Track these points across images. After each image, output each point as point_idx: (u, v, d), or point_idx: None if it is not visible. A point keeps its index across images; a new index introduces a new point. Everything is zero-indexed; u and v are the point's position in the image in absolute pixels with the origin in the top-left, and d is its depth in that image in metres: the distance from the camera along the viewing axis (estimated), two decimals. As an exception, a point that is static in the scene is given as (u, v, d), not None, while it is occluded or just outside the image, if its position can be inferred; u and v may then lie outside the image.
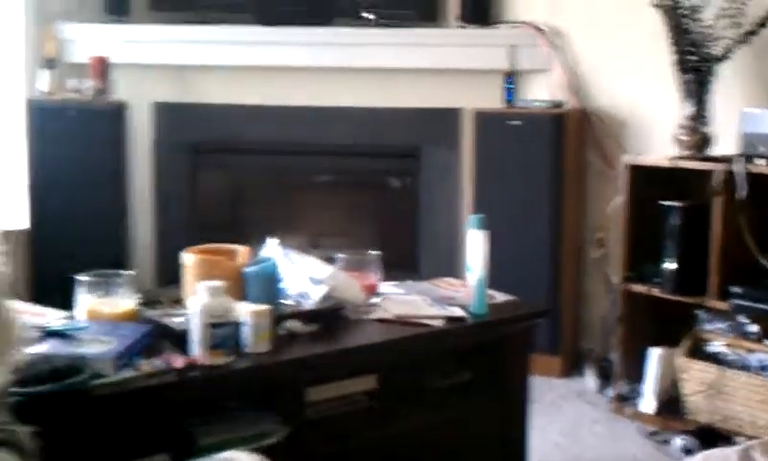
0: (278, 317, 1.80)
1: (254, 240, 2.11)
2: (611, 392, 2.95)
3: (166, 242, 3.61)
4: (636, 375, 2.85)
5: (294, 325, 1.82)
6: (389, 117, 3.55)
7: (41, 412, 1.37)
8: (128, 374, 1.57)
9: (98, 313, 1.77)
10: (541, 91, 3.37)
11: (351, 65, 3.50)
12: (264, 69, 3.54)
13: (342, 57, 3.49)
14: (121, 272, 1.85)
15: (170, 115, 3.60)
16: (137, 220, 3.55)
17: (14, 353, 1.19)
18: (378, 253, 2.15)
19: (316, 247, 3.51)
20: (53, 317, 1.78)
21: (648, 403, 2.80)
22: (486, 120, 3.29)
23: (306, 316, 1.86)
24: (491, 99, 3.37)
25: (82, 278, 1.78)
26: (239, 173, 3.95)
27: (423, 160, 3.60)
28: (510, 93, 3.34)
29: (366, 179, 3.97)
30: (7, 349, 1.10)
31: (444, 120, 3.53)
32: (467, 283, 2.03)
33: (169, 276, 3.23)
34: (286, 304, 1.91)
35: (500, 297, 2.16)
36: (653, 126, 3.15)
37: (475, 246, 1.98)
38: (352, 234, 3.77)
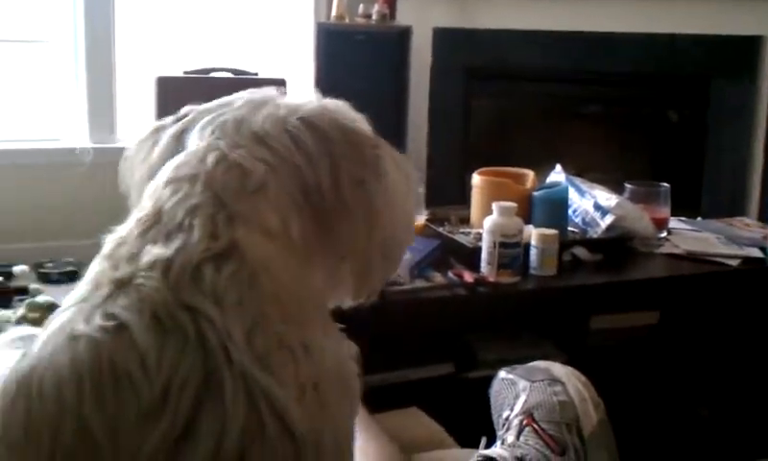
0: (564, 243, 1.79)
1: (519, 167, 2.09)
2: None
3: (437, 163, 3.70)
4: None
5: (580, 251, 1.80)
6: (673, 44, 3.32)
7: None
8: (421, 283, 1.65)
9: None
10: None
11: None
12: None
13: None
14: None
15: (447, 40, 3.64)
16: (412, 142, 3.66)
17: None
18: (667, 185, 2.05)
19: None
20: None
21: None
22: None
23: (592, 244, 1.83)
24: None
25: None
26: (509, 100, 3.93)
27: (713, 94, 3.34)
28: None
29: (640, 111, 3.77)
30: None
31: (741, 50, 3.24)
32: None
33: (439, 195, 3.33)
34: (572, 231, 1.89)
35: (805, 242, 1.99)
36: None
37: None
38: (619, 169, 3.62)
